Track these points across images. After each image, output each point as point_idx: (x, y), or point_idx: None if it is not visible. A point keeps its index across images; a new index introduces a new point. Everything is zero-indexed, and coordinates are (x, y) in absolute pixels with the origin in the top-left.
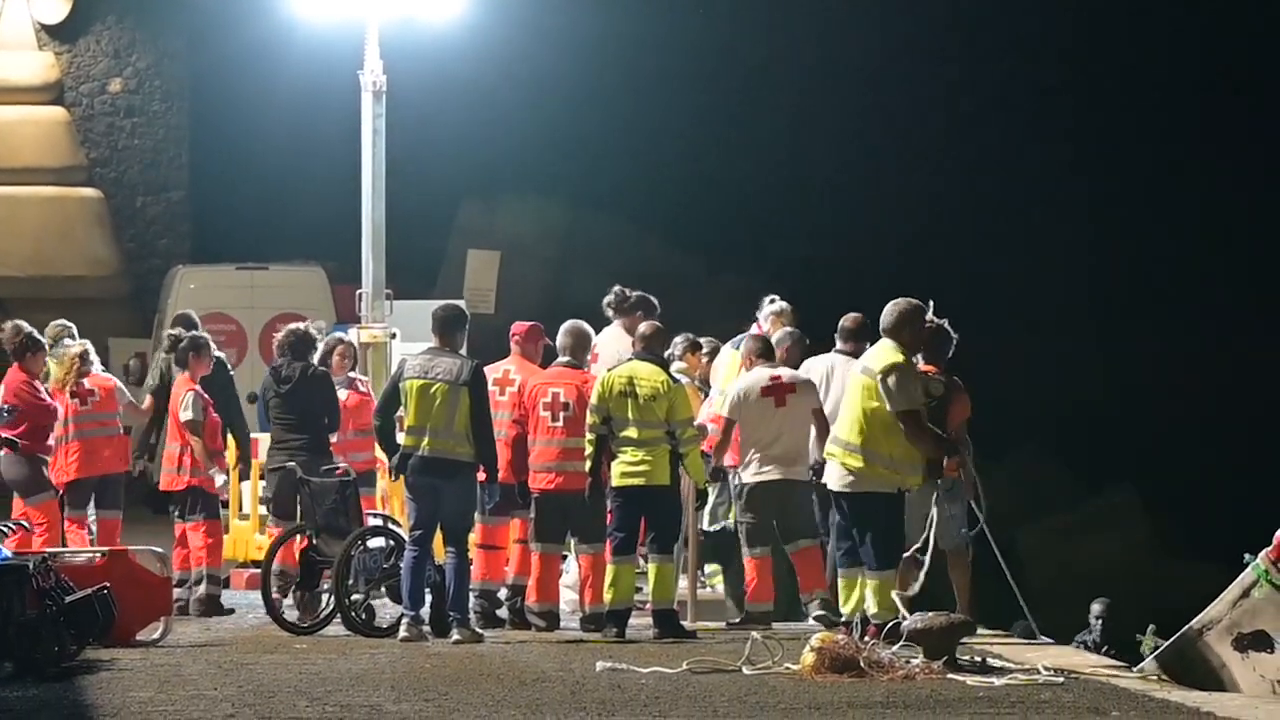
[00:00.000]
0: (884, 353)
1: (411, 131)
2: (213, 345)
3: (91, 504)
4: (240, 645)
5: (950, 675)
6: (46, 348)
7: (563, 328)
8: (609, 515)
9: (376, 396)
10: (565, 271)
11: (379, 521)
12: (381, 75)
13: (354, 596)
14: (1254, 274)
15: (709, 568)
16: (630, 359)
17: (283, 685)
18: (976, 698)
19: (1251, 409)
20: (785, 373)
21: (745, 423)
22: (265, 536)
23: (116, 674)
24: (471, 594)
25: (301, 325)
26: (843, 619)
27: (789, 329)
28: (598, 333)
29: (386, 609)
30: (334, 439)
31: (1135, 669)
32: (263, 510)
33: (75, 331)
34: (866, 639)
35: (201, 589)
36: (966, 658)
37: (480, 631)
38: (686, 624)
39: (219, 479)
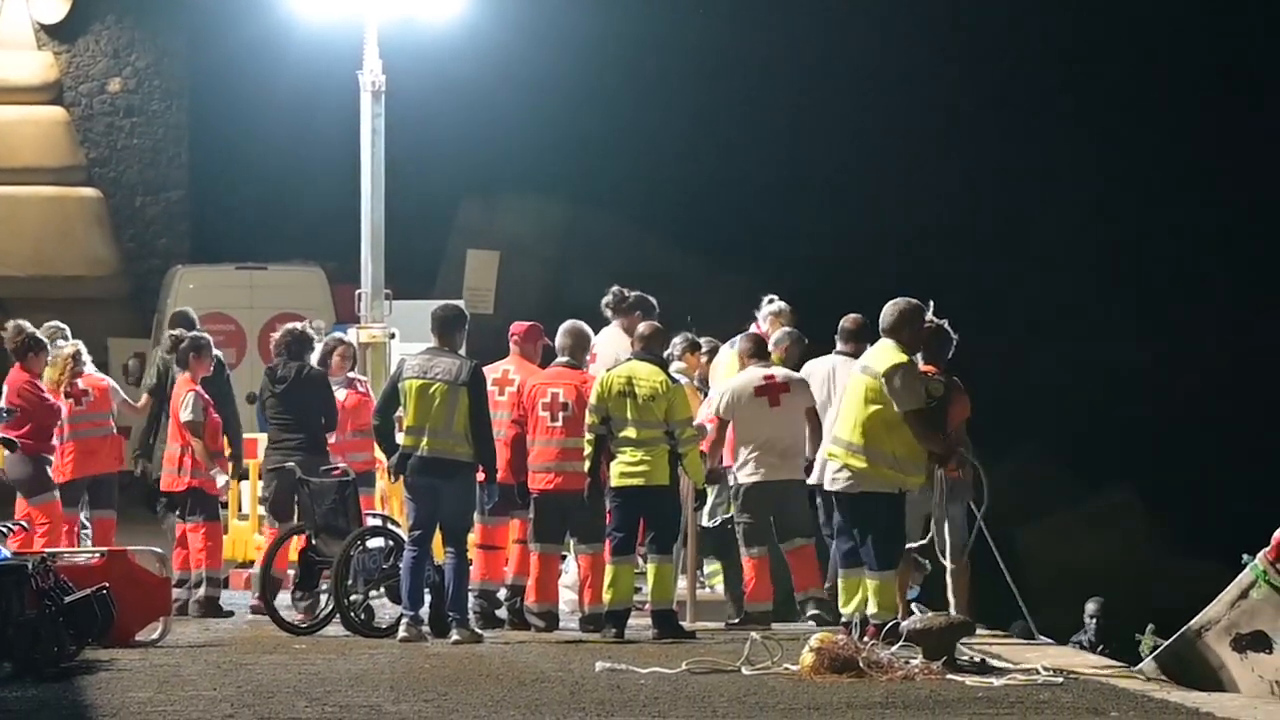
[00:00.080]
0: (886, 353)
1: (410, 131)
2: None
3: (86, 504)
4: (239, 645)
5: (949, 676)
6: (49, 347)
7: (562, 328)
8: (608, 515)
9: (376, 397)
10: (564, 271)
11: (378, 522)
12: (381, 75)
13: (353, 597)
14: (1254, 274)
15: (708, 568)
16: (629, 359)
17: (282, 685)
18: (975, 698)
19: (1251, 409)
20: (779, 372)
21: (739, 423)
22: (263, 537)
23: (115, 674)
24: (471, 594)
25: (299, 325)
26: (843, 619)
27: (788, 329)
28: (596, 333)
29: (385, 609)
30: (332, 439)
31: (1134, 669)
32: (261, 510)
33: (69, 332)
34: (866, 639)
35: (201, 591)
36: (965, 658)
37: (479, 632)
38: (685, 624)
39: (220, 480)
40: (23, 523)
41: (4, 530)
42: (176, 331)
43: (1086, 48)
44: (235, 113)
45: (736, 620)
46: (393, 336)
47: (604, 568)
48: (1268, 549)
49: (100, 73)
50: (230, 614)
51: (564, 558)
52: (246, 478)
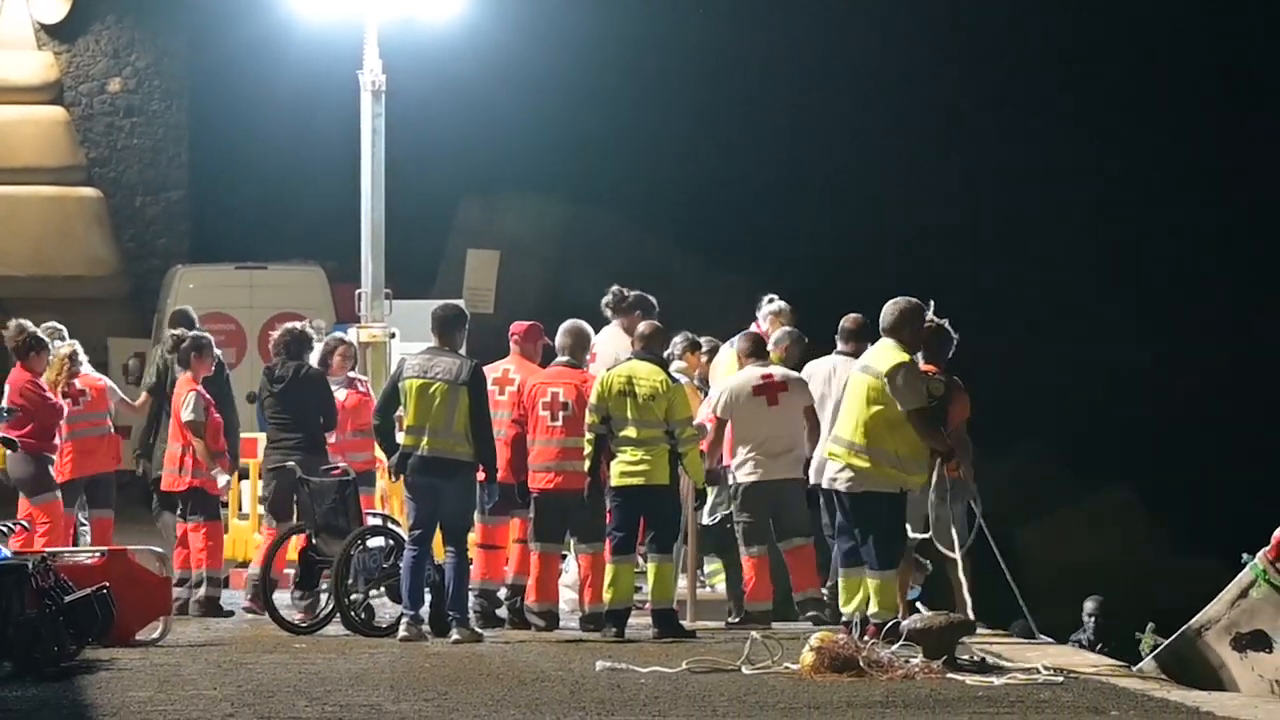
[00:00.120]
0: (888, 353)
1: (411, 131)
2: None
3: (84, 504)
4: (239, 645)
5: (950, 675)
6: (50, 347)
7: (562, 327)
8: (608, 515)
9: (376, 396)
10: (564, 271)
11: (378, 521)
12: (381, 75)
13: (353, 596)
14: (1254, 274)
15: (709, 567)
16: (629, 358)
17: (282, 685)
18: (976, 697)
19: (1251, 408)
20: (777, 371)
21: (738, 422)
22: (263, 536)
23: (116, 673)
24: (471, 593)
25: (298, 325)
26: (843, 618)
27: (788, 328)
28: (596, 333)
29: (386, 609)
30: (333, 439)
31: (1134, 668)
32: (262, 510)
33: (65, 333)
34: (866, 638)
35: (201, 591)
36: (966, 657)
37: (479, 631)
38: (686, 623)
39: (221, 480)
40: (24, 522)
41: (5, 530)
42: (178, 331)
43: (1086, 48)
44: (235, 112)
45: (737, 619)
46: (393, 336)
47: (604, 567)
48: (1267, 548)
49: (100, 73)
50: (231, 613)
51: (564, 557)
52: (246, 477)
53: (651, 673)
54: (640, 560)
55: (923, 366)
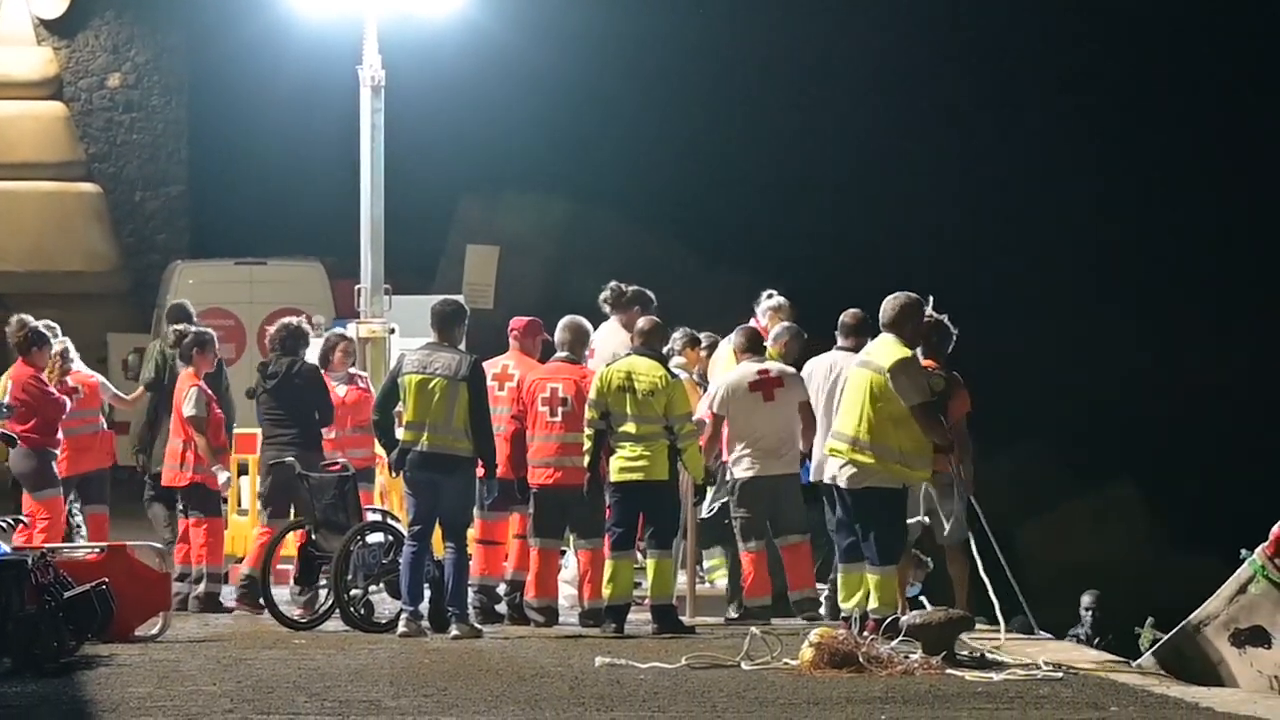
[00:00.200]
0: (890, 348)
1: (410, 127)
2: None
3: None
4: (239, 640)
5: (949, 670)
6: (52, 342)
7: (561, 323)
8: (607, 510)
9: (376, 392)
10: (564, 269)
11: (378, 517)
12: (380, 71)
13: (353, 592)
14: (1254, 273)
15: (708, 563)
16: (629, 354)
17: (281, 680)
18: (975, 693)
19: (1251, 407)
20: (773, 367)
21: (734, 418)
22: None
23: (115, 669)
24: (470, 589)
25: (294, 320)
26: (842, 614)
27: (787, 324)
28: (595, 329)
29: (385, 604)
30: (333, 435)
31: (1133, 664)
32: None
33: (58, 330)
34: (865, 634)
35: (201, 587)
36: (965, 653)
37: (479, 627)
38: (685, 619)
39: (221, 477)
40: (23, 518)
41: (6, 525)
42: (181, 326)
43: (1086, 48)
44: (235, 108)
45: (736, 615)
46: (392, 332)
47: (603, 563)
48: (1266, 544)
49: (100, 68)
50: (230, 609)
51: (563, 553)
52: (245, 473)
53: (651, 668)
54: (639, 556)
55: (923, 362)
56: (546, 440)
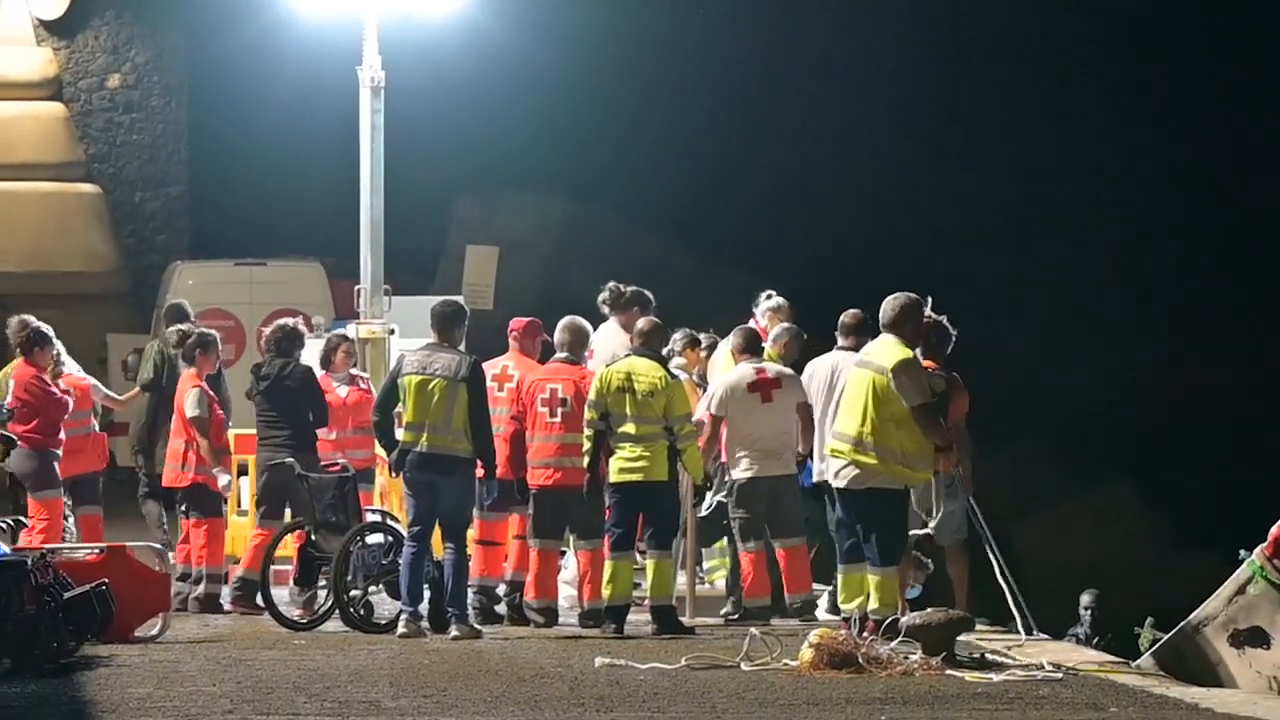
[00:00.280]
0: (891, 349)
1: (410, 127)
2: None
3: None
4: (238, 641)
5: (949, 671)
6: (54, 341)
7: (561, 324)
8: (607, 511)
9: (376, 393)
10: (564, 269)
11: (377, 517)
12: (380, 71)
13: (352, 592)
14: (1255, 273)
15: (708, 563)
16: (629, 354)
17: (281, 681)
18: (975, 694)
19: (1250, 407)
20: (771, 367)
21: (732, 419)
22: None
23: (115, 670)
24: (470, 590)
25: (289, 321)
26: (842, 614)
27: (787, 324)
28: (595, 329)
29: (385, 605)
30: (333, 435)
31: (1133, 664)
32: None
33: (51, 333)
34: (865, 635)
35: (201, 588)
36: (965, 654)
37: (479, 627)
38: (685, 620)
39: (222, 479)
40: (22, 518)
41: (6, 525)
42: (184, 326)
43: (1086, 48)
44: (235, 109)
45: (735, 615)
46: (392, 332)
47: (603, 563)
48: (1264, 545)
49: (100, 69)
50: (230, 610)
51: (563, 553)
52: (245, 473)
53: (650, 669)
54: (639, 556)
55: (922, 362)
56: (546, 441)
